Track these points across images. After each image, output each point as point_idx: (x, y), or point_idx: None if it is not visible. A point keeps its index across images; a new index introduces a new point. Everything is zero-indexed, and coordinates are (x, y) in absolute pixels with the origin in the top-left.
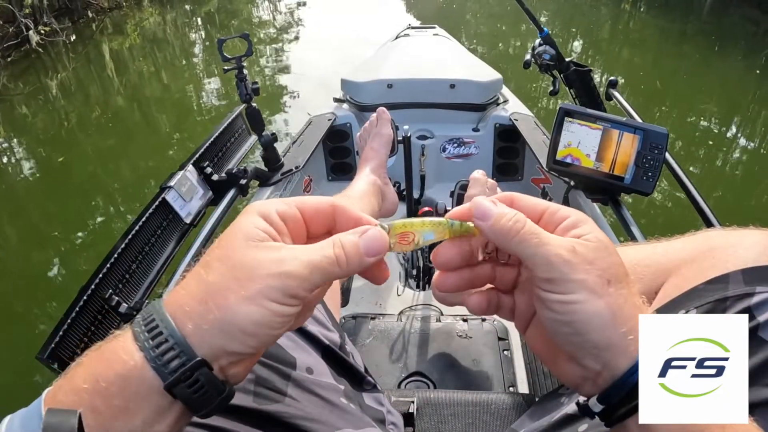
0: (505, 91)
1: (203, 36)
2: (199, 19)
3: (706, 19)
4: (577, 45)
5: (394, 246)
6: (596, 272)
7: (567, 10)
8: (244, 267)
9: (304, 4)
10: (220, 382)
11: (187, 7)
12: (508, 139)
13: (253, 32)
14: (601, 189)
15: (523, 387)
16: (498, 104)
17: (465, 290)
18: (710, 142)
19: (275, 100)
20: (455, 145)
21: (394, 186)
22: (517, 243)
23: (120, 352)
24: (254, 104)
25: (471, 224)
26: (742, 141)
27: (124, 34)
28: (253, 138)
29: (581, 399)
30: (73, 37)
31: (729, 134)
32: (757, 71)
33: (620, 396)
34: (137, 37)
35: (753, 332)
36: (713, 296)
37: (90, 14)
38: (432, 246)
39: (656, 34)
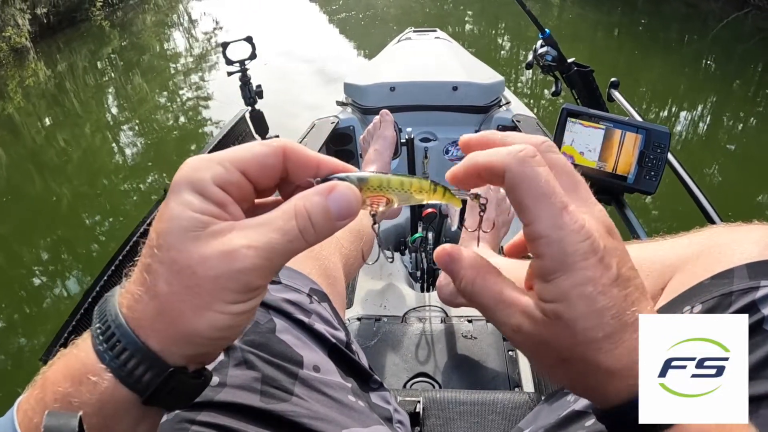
0: (507, 93)
1: (113, 77)
2: (105, 61)
3: (642, 8)
4: (506, 44)
5: (366, 206)
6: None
7: (492, 8)
8: (189, 270)
9: (221, 28)
10: (193, 377)
11: (92, 47)
12: None
13: (167, 65)
14: (604, 189)
15: (528, 387)
16: (500, 106)
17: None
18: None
19: (195, 133)
20: (458, 147)
21: None
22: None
23: (87, 373)
24: (258, 107)
25: (455, 193)
26: (678, 128)
27: (5, 98)
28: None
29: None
30: None
31: (663, 118)
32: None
33: None
34: (21, 100)
35: (758, 325)
36: (718, 291)
37: None
38: (435, 245)
39: (589, 28)
